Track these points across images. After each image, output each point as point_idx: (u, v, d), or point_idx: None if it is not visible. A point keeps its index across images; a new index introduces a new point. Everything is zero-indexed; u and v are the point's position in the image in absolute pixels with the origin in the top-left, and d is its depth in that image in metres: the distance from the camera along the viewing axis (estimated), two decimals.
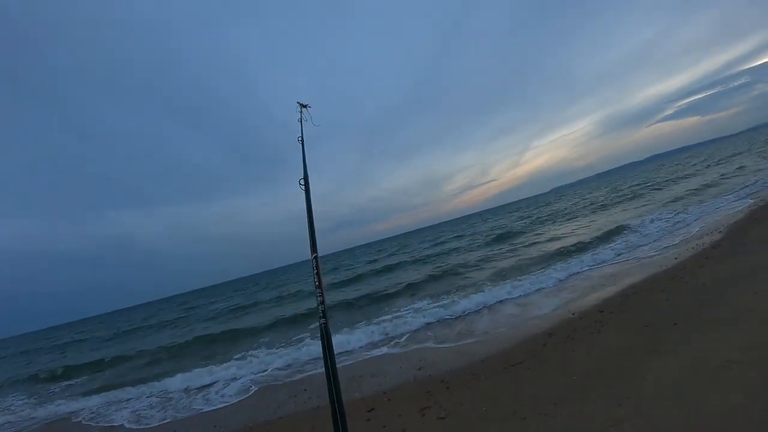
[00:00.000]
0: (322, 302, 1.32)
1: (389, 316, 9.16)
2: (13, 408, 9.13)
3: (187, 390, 7.24)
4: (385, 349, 6.84)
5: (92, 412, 7.25)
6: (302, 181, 1.95)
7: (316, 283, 1.37)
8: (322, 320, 1.26)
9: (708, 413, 2.54)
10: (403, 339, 7.15)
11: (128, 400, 7.49)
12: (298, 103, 2.61)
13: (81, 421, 6.92)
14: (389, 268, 20.71)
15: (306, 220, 1.72)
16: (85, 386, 10.03)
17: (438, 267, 16.35)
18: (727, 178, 18.47)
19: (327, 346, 1.20)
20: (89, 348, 20.15)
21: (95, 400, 7.92)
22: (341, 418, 1.02)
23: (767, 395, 2.54)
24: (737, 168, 21.26)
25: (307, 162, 2.11)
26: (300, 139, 2.38)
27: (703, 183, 19.13)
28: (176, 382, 7.81)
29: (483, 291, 9.28)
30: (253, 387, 6.53)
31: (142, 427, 5.94)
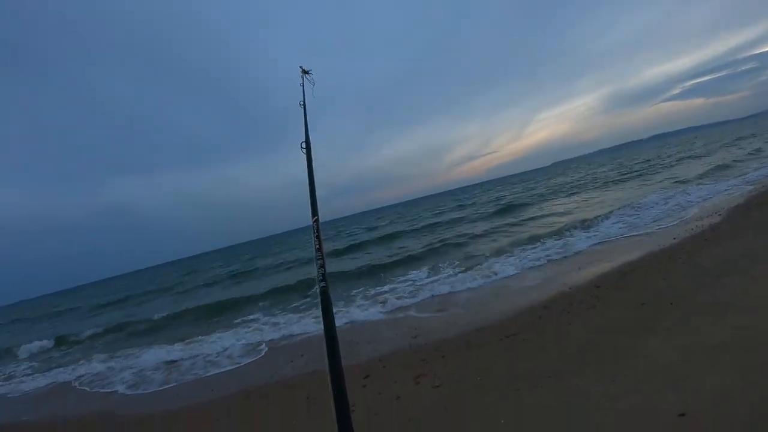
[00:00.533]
0: (322, 266, 1.27)
1: (387, 287, 9.25)
2: (14, 374, 9.28)
3: (182, 357, 7.29)
4: (381, 317, 6.93)
5: (93, 376, 7.37)
6: (303, 145, 1.93)
7: (317, 246, 1.32)
8: (322, 283, 1.21)
9: (704, 395, 2.56)
10: (401, 308, 7.22)
11: (128, 366, 7.54)
12: (300, 67, 2.60)
13: (77, 386, 7.03)
14: (390, 237, 20.74)
15: (307, 184, 1.67)
16: (83, 353, 10.06)
17: (438, 238, 16.35)
18: (740, 161, 17.96)
19: (326, 310, 1.15)
20: (87, 315, 20.37)
21: (94, 367, 8.01)
22: (340, 383, 0.98)
23: (764, 381, 2.55)
24: (753, 151, 20.56)
25: (308, 128, 2.11)
26: (302, 103, 2.37)
27: (711, 164, 18.64)
28: (174, 349, 7.91)
29: (481, 263, 9.34)
30: (253, 352, 6.65)
31: (139, 392, 6.02)
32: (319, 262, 1.26)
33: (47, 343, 12.42)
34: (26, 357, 11.59)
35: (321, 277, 1.20)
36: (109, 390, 6.43)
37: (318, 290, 1.16)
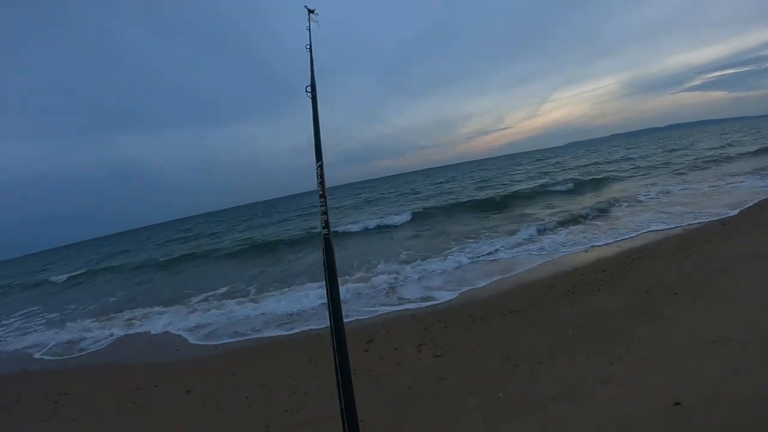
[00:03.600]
0: (325, 212, 1.18)
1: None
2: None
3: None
4: (386, 285, 6.88)
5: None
6: (308, 89, 1.84)
7: (320, 193, 1.23)
8: (324, 231, 1.13)
9: (700, 387, 2.54)
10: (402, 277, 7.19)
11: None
12: (305, 7, 2.53)
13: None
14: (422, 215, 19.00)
15: (312, 129, 1.58)
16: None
17: (453, 214, 15.77)
18: None
19: (329, 260, 1.07)
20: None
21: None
22: (341, 343, 0.91)
23: (758, 377, 2.53)
24: None
25: (317, 93, 2.03)
26: (307, 47, 2.27)
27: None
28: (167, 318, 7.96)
29: (495, 242, 9.13)
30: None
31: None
32: (322, 208, 1.17)
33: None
34: None
35: (324, 225, 1.12)
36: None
37: (321, 237, 1.08)
